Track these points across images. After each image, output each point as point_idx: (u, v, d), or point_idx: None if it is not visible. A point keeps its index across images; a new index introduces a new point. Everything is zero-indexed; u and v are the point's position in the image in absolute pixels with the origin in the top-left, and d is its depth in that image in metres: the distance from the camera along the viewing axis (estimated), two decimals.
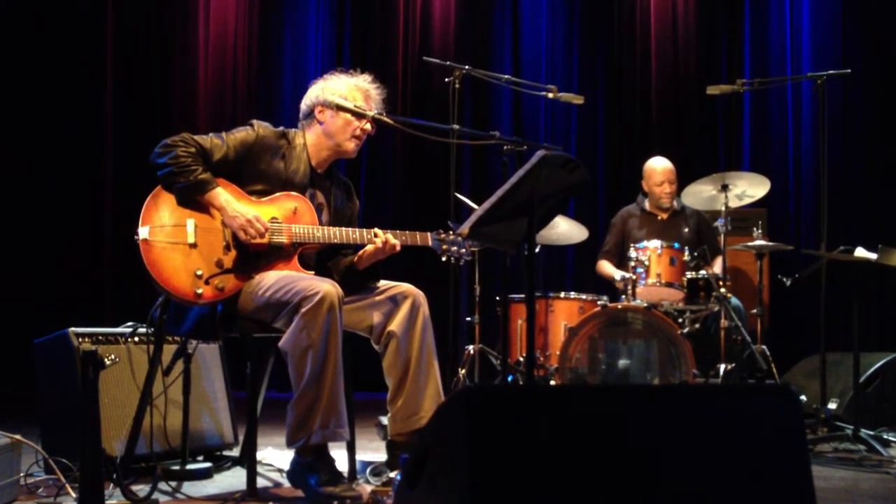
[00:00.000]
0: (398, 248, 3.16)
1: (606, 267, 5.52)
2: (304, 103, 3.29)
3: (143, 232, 2.91)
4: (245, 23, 7.15)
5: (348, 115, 3.21)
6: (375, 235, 3.14)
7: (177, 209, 2.98)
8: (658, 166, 5.45)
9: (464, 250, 3.24)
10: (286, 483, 3.05)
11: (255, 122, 3.19)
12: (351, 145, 3.25)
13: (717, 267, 5.00)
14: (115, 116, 6.63)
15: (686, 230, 5.33)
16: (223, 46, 7.07)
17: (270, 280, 2.97)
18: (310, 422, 2.82)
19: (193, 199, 2.99)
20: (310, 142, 3.25)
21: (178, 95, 6.90)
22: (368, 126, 3.25)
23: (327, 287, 2.85)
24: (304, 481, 2.86)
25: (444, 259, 3.26)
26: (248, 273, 3.02)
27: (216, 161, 3.05)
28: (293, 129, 3.27)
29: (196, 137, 3.04)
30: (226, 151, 3.06)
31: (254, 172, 3.11)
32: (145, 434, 3.16)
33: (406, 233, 3.19)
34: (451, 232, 3.23)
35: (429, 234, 3.22)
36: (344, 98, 3.20)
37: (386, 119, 3.18)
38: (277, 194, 3.12)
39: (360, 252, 3.20)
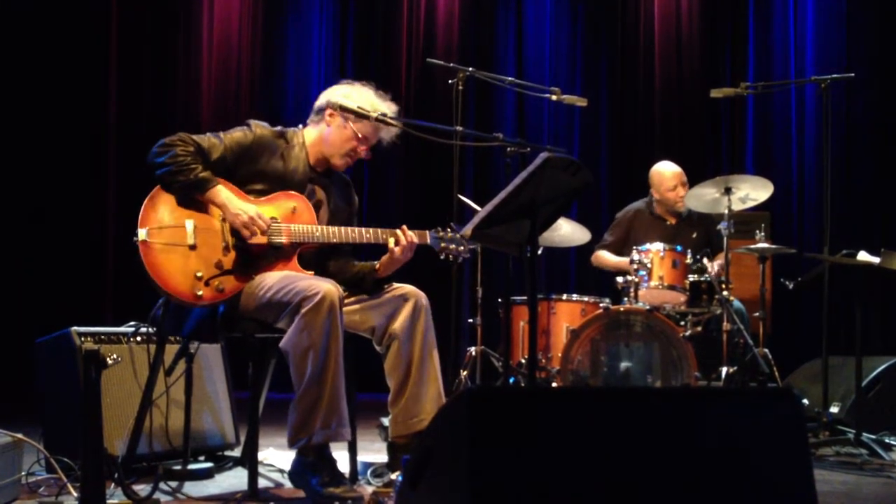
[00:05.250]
0: (415, 240, 3.16)
1: (607, 256, 5.44)
2: (321, 100, 3.25)
3: (141, 233, 2.90)
4: (248, 25, 7.17)
5: (350, 133, 3.18)
6: (394, 235, 3.13)
7: (175, 210, 2.97)
8: (667, 171, 5.36)
9: (462, 248, 3.22)
10: (287, 483, 3.05)
11: (251, 122, 3.18)
12: (340, 161, 3.24)
13: (717, 263, 4.97)
14: (118, 116, 6.64)
15: (694, 235, 5.30)
16: (227, 48, 7.08)
17: (271, 281, 2.96)
18: (311, 422, 2.82)
19: (193, 198, 2.98)
20: (309, 140, 3.23)
21: (182, 96, 6.92)
22: (364, 153, 3.23)
23: (328, 287, 2.84)
24: (305, 482, 2.86)
25: (442, 258, 3.25)
26: (248, 274, 3.01)
27: (214, 160, 3.04)
28: (291, 129, 3.25)
29: (194, 137, 3.03)
30: (223, 151, 3.06)
31: (252, 172, 3.10)
32: (147, 434, 3.16)
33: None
34: (449, 230, 3.22)
35: (427, 232, 3.22)
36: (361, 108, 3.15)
37: (389, 120, 3.16)
38: (276, 193, 3.11)
39: (378, 265, 3.19)
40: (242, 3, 7.15)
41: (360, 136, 3.20)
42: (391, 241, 3.13)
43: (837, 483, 3.37)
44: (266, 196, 3.11)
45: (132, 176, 6.42)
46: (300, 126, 3.30)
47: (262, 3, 7.24)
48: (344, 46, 7.33)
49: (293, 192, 3.13)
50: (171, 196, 2.98)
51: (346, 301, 3.03)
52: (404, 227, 3.16)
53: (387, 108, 3.21)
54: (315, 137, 3.24)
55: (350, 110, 3.14)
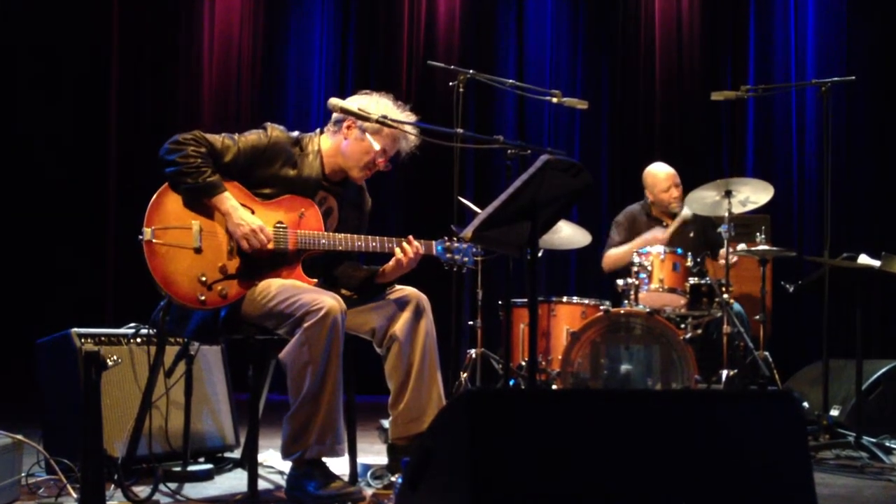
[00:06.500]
0: (422, 251, 3.15)
1: (615, 250, 5.35)
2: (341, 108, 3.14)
3: (146, 233, 2.87)
4: (249, 26, 7.17)
5: (368, 145, 3.14)
6: (403, 244, 3.11)
7: (182, 210, 2.94)
8: (661, 172, 5.38)
9: (467, 259, 3.21)
10: None
11: (268, 125, 3.13)
12: (359, 174, 3.20)
13: (720, 259, 4.95)
14: (119, 116, 6.64)
15: (692, 235, 5.30)
16: (227, 49, 7.08)
17: (274, 289, 2.94)
18: (305, 437, 2.82)
19: (200, 201, 2.96)
20: (325, 148, 3.19)
21: (182, 96, 6.91)
22: (382, 166, 3.20)
23: (331, 302, 2.83)
24: (303, 491, 2.84)
25: (446, 268, 3.25)
26: (252, 280, 2.99)
27: (226, 162, 3.01)
28: (307, 135, 3.21)
29: (208, 137, 2.99)
30: (236, 154, 3.02)
31: (264, 176, 3.07)
32: (146, 435, 3.16)
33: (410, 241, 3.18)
34: (455, 238, 3.21)
35: (433, 242, 3.20)
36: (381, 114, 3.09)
37: (390, 122, 3.15)
38: (284, 197, 3.08)
39: (382, 270, 3.17)
40: (243, 3, 7.15)
41: (377, 148, 3.17)
42: (398, 251, 3.12)
43: (838, 486, 3.36)
44: (274, 199, 3.08)
45: (132, 176, 6.43)
46: (317, 130, 3.26)
47: (264, 3, 7.24)
48: (345, 48, 7.33)
49: (302, 198, 3.10)
50: (179, 196, 2.95)
51: (347, 302, 3.01)
52: (411, 237, 3.15)
53: (405, 118, 3.17)
54: (332, 147, 3.20)
55: (350, 112, 3.10)
